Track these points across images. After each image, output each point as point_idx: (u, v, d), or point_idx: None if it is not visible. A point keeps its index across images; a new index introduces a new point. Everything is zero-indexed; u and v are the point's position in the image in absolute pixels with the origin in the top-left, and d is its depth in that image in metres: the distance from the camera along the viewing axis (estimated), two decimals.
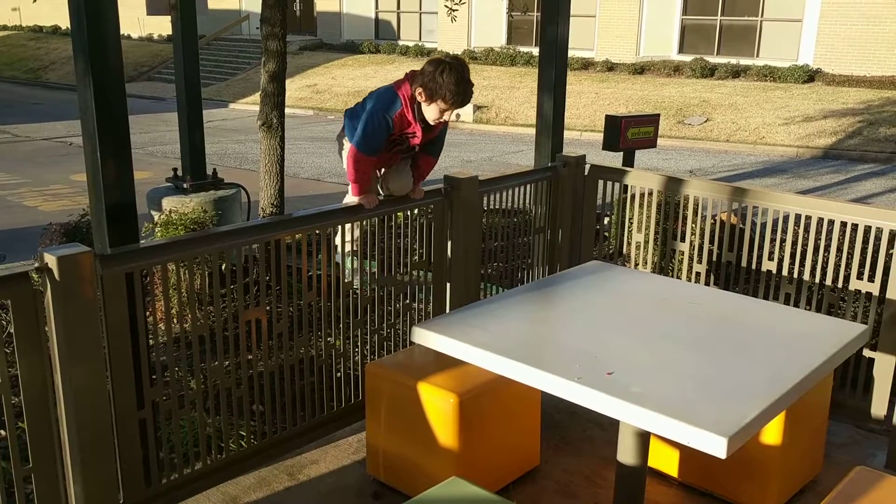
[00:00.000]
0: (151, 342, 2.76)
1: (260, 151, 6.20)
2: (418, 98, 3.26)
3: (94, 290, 2.41)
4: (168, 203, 5.83)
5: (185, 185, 6.10)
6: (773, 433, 2.88)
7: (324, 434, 3.42)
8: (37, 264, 2.35)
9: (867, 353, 3.49)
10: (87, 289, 2.38)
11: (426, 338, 2.59)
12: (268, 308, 3.17)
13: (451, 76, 3.16)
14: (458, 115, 18.04)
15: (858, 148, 13.86)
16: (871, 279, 3.47)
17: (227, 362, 2.97)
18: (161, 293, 2.73)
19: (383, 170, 3.58)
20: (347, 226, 3.49)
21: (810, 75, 18.92)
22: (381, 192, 3.58)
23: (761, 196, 3.79)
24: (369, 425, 3.16)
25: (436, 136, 3.51)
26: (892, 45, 18.42)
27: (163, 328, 2.91)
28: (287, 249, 3.17)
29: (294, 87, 21.95)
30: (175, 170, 6.35)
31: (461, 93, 3.21)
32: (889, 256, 3.42)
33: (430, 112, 3.27)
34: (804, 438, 3.05)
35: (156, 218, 5.49)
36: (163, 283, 2.72)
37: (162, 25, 27.55)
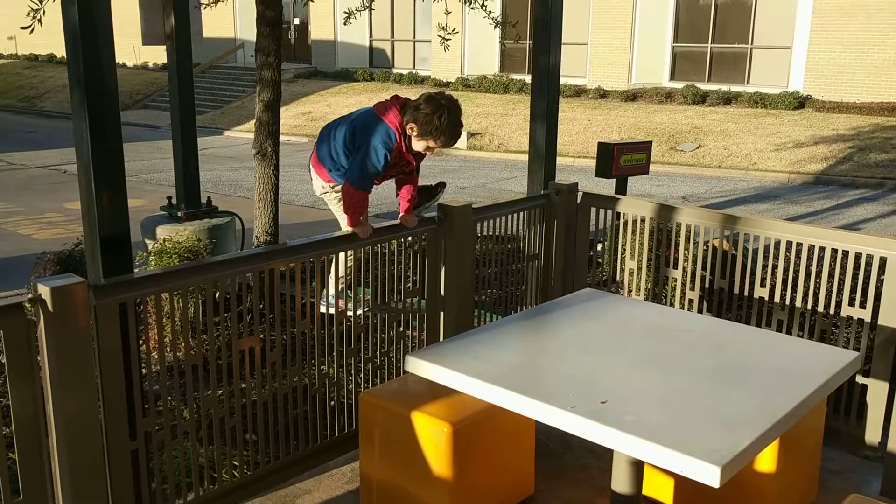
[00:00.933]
0: (144, 372, 2.75)
1: (254, 179, 6.22)
2: (409, 132, 3.33)
3: (87, 320, 2.41)
4: (162, 231, 5.84)
5: (179, 214, 6.11)
6: (767, 461, 2.88)
7: (317, 464, 3.41)
8: (30, 295, 2.35)
9: (860, 379, 3.50)
10: (80, 319, 2.38)
11: (419, 367, 2.59)
12: (261, 336, 3.17)
13: (447, 119, 3.26)
14: None
15: (849, 173, 13.96)
16: (863, 305, 3.49)
17: (220, 391, 2.96)
18: (154, 322, 2.72)
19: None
20: (341, 259, 3.51)
21: (801, 102, 19.09)
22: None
23: (753, 223, 3.81)
24: (363, 455, 3.15)
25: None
26: (881, 72, 18.62)
27: (156, 357, 2.90)
28: (280, 277, 3.17)
29: (289, 115, 22.06)
30: (169, 198, 6.37)
31: (454, 136, 3.33)
32: (880, 283, 3.44)
33: (418, 145, 3.37)
34: (798, 466, 3.05)
35: (150, 246, 5.49)
36: (156, 313, 2.72)
37: (157, 54, 27.69)
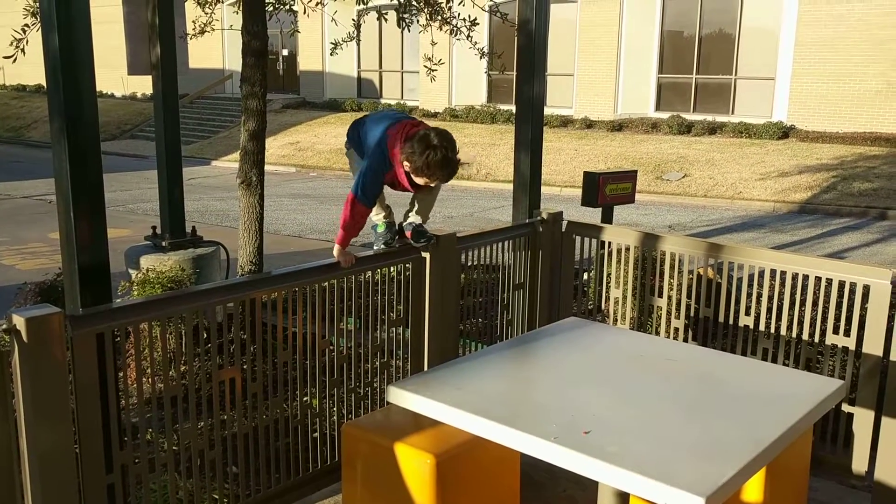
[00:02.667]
0: (123, 403, 2.71)
1: (239, 209, 6.20)
2: (406, 168, 3.33)
3: (63, 351, 2.37)
4: (146, 261, 5.80)
5: (163, 244, 6.07)
6: (753, 490, 2.85)
7: (300, 496, 3.35)
8: (4, 325, 2.32)
9: (846, 407, 3.49)
10: (56, 350, 2.34)
11: (402, 398, 2.56)
12: (243, 367, 3.13)
13: (436, 157, 3.24)
14: None
15: (834, 202, 14.07)
16: (848, 333, 3.49)
17: (200, 423, 2.92)
18: (134, 353, 2.69)
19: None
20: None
21: (784, 132, 19.29)
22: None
23: (737, 252, 3.82)
24: (345, 487, 3.10)
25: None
26: (862, 103, 18.87)
27: (135, 388, 2.86)
28: (263, 306, 3.14)
29: (277, 145, 22.10)
30: (154, 228, 6.34)
31: (446, 174, 3.33)
32: (864, 311, 3.44)
33: (415, 181, 3.38)
34: (785, 495, 3.02)
35: (133, 276, 5.45)
36: (135, 344, 2.68)
37: (145, 84, 27.74)
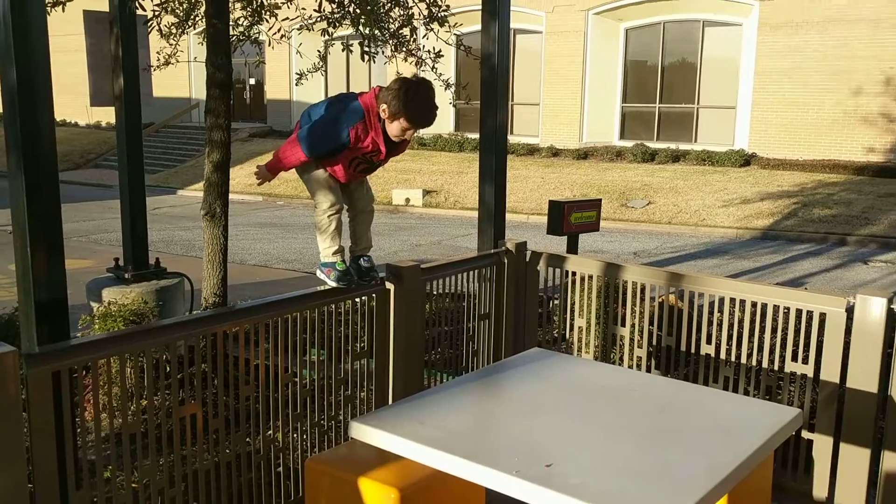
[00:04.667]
0: (80, 441, 2.66)
1: (203, 240, 6.16)
2: (382, 115, 3.19)
3: (17, 391, 2.32)
4: (108, 294, 5.73)
5: (126, 275, 6.01)
6: None
7: None
8: None
9: (806, 434, 3.54)
10: (9, 390, 2.30)
11: (365, 433, 2.55)
12: (205, 401, 3.09)
13: (415, 96, 3.12)
14: (407, 200, 18.23)
15: (795, 229, 14.33)
16: (806, 361, 3.54)
17: (160, 460, 2.87)
18: (91, 390, 2.64)
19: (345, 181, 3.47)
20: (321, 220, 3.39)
21: (746, 159, 19.66)
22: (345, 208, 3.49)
23: (697, 281, 3.87)
24: None
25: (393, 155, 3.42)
26: (821, 131, 19.33)
27: (92, 426, 2.81)
28: (224, 337, 3.11)
29: (244, 174, 22.00)
30: (116, 259, 6.27)
31: (425, 115, 3.16)
32: (821, 338, 3.51)
33: (393, 129, 3.20)
34: None
35: (95, 310, 5.37)
36: (93, 382, 2.64)
37: (110, 113, 27.49)
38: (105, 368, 2.72)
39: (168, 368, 2.92)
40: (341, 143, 3.22)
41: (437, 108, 3.22)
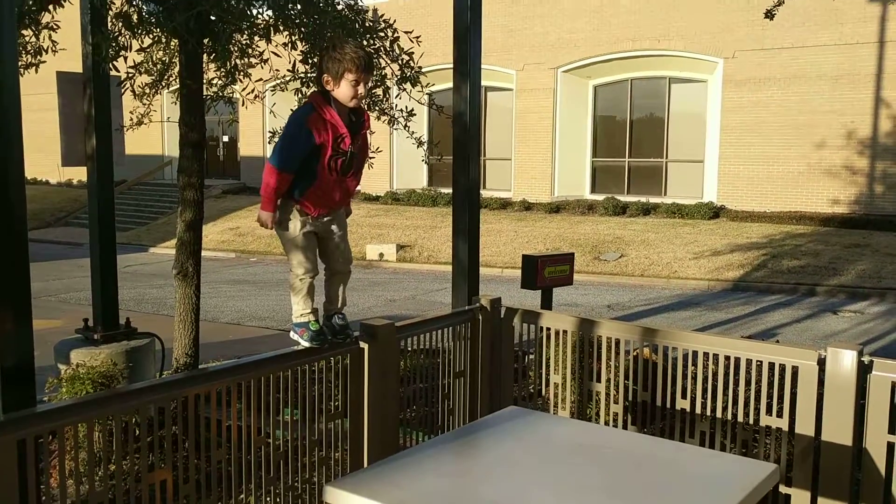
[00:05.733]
0: None
1: (175, 300, 6.10)
2: (327, 87, 3.20)
3: None
4: (76, 356, 5.62)
5: (95, 336, 5.91)
6: None
7: None
8: None
9: (783, 489, 3.53)
10: None
11: (340, 498, 2.50)
12: (175, 465, 3.02)
13: (342, 47, 3.18)
14: (381, 255, 18.24)
15: (765, 280, 14.52)
16: (780, 415, 3.56)
17: None
18: (57, 457, 2.58)
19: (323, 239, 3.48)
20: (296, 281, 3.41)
21: (715, 212, 20.00)
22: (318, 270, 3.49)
23: (671, 336, 3.90)
24: None
25: (364, 153, 3.46)
26: (787, 184, 19.76)
27: (58, 493, 2.73)
28: (196, 399, 3.06)
29: (216, 230, 21.95)
30: (86, 320, 6.17)
31: (360, 55, 3.18)
32: (795, 391, 3.53)
33: (344, 92, 3.19)
34: None
35: (62, 372, 5.26)
36: (59, 449, 2.57)
37: (81, 171, 27.44)
38: (72, 434, 2.65)
39: (137, 432, 2.86)
40: (307, 143, 3.20)
41: (369, 52, 3.27)
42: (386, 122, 6.64)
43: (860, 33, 18.69)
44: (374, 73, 6.25)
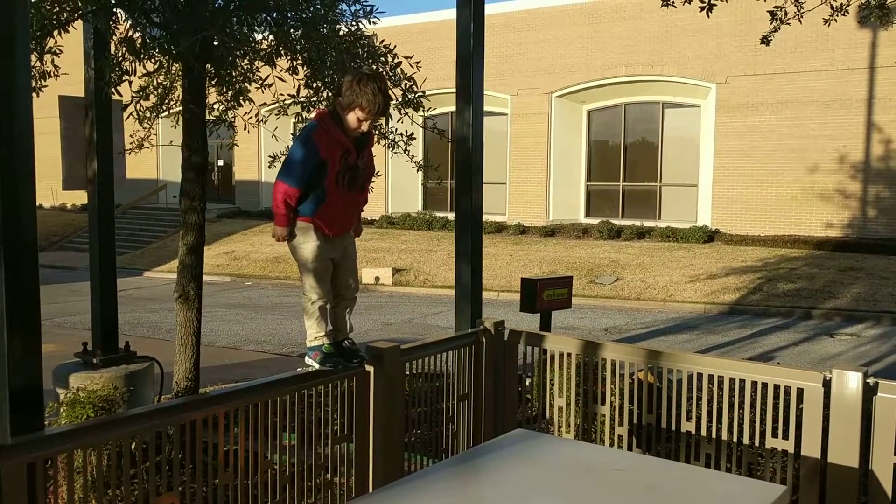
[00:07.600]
0: None
1: (176, 323, 6.08)
2: (337, 109, 3.25)
3: None
4: (76, 380, 5.59)
5: (94, 360, 5.88)
6: None
7: None
8: None
9: None
10: None
11: None
12: (182, 491, 3.00)
13: (367, 86, 3.18)
14: (377, 278, 18.22)
15: (761, 303, 14.55)
16: (786, 437, 3.56)
17: None
18: (65, 480, 2.56)
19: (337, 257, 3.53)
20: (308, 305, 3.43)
21: (710, 235, 20.07)
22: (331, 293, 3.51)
23: (675, 358, 3.90)
24: None
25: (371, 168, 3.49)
26: (780, 208, 19.88)
27: None
28: (203, 424, 3.04)
29: (212, 255, 21.89)
30: (84, 344, 6.14)
31: (378, 102, 3.20)
32: (799, 413, 3.53)
33: (350, 122, 3.25)
34: None
35: (61, 396, 5.23)
36: (67, 472, 2.56)
37: (75, 195, 27.42)
38: (80, 457, 2.64)
39: (146, 455, 2.85)
40: (314, 157, 3.24)
41: (389, 98, 3.27)
42: (385, 145, 6.67)
43: (851, 59, 18.92)
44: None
